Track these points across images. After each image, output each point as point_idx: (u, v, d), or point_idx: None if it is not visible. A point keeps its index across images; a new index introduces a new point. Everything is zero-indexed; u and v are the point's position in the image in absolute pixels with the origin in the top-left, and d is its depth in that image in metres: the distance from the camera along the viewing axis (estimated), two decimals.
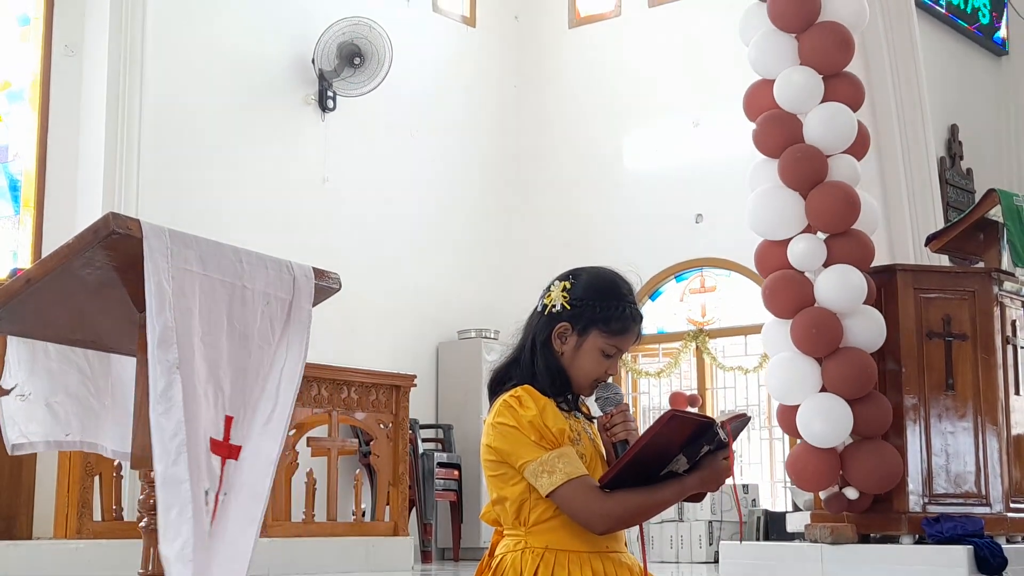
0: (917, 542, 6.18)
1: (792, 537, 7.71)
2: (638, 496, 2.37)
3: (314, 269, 2.55)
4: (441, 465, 9.45)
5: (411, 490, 8.64)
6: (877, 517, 6.30)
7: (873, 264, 6.41)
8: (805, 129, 6.33)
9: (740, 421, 2.45)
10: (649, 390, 10.71)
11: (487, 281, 10.66)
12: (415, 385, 8.04)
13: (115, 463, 6.18)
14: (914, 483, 6.25)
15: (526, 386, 2.45)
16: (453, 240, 10.62)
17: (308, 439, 7.32)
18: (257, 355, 2.38)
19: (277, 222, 9.02)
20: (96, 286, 2.30)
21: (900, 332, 6.32)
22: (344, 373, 7.42)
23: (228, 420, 2.30)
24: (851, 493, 6.17)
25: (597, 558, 2.42)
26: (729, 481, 2.47)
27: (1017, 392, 6.59)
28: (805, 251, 6.22)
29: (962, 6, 11.25)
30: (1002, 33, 11.81)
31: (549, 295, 2.52)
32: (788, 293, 6.23)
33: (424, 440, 9.60)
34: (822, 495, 6.34)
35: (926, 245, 7.45)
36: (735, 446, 2.45)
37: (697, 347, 10.35)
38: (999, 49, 11.85)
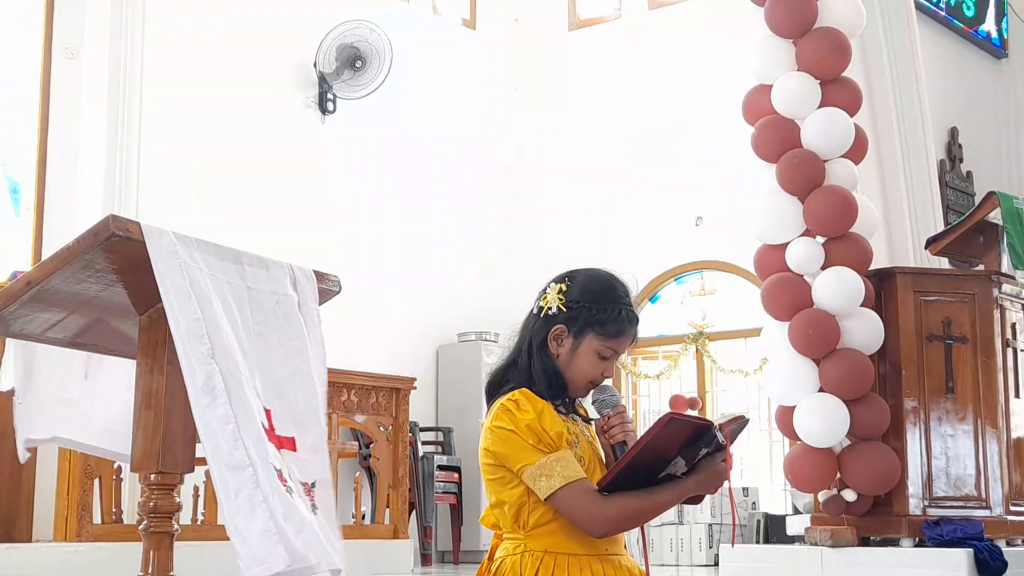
0: (917, 545, 6.18)
1: (792, 540, 7.70)
2: (636, 499, 2.37)
3: (314, 272, 2.55)
4: (441, 468, 9.44)
5: (411, 493, 8.64)
6: (877, 520, 6.30)
7: (873, 267, 6.42)
8: (803, 134, 6.36)
9: (738, 423, 2.45)
10: (649, 393, 10.71)
11: (487, 284, 10.66)
12: (415, 388, 8.04)
13: (115, 466, 6.18)
14: (914, 486, 6.25)
15: (523, 389, 2.45)
16: (453, 243, 10.62)
17: None
18: (279, 351, 2.38)
19: (277, 224, 9.01)
20: (96, 288, 2.30)
21: (900, 335, 6.33)
22: (344, 376, 7.41)
23: (267, 412, 2.30)
24: (849, 495, 6.17)
25: (597, 561, 2.42)
26: (726, 484, 2.47)
27: (1017, 395, 6.59)
28: (803, 254, 6.25)
29: (965, 11, 11.26)
30: (987, 27, 11.82)
31: (545, 297, 2.52)
32: (786, 295, 6.25)
33: (424, 443, 9.60)
34: (820, 497, 6.34)
35: (926, 248, 7.46)
36: (733, 448, 2.45)
37: (697, 350, 10.35)
38: (999, 51, 11.86)
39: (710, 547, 9.05)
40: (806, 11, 6.40)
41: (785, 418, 6.33)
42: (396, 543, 7.52)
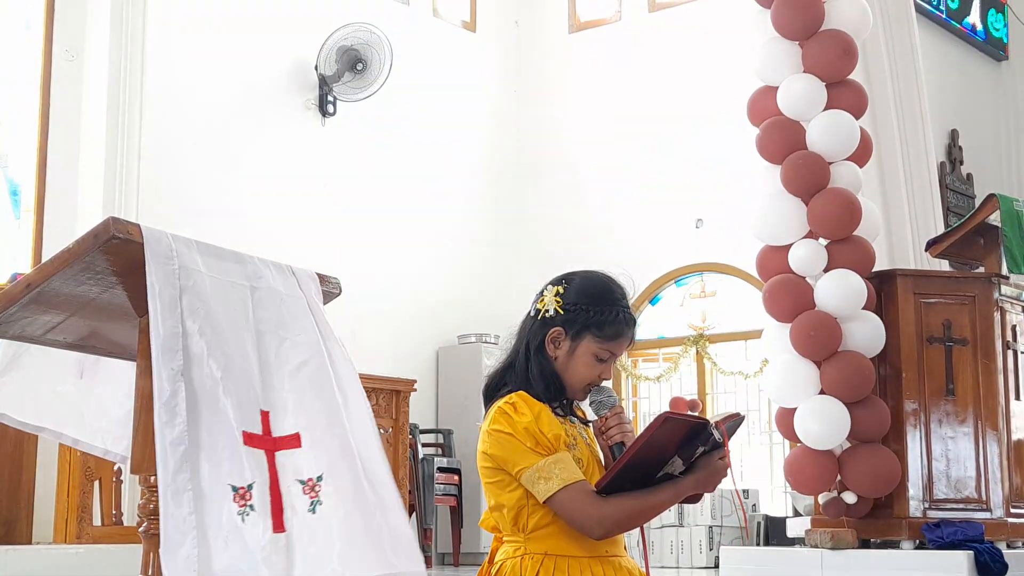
0: (917, 547, 6.18)
1: (792, 542, 7.70)
2: (635, 500, 2.37)
3: (315, 274, 2.55)
4: (441, 470, 9.44)
5: (411, 495, 8.64)
6: (877, 522, 6.30)
7: (873, 269, 6.42)
8: (808, 136, 6.35)
9: (734, 421, 2.45)
10: (649, 395, 10.71)
11: (487, 286, 10.66)
12: (415, 390, 8.04)
13: (115, 467, 6.17)
14: (914, 488, 6.25)
15: (521, 392, 2.45)
16: (453, 245, 10.62)
17: None
18: (284, 348, 2.37)
19: (277, 227, 9.01)
20: (96, 291, 2.30)
21: (900, 337, 6.33)
22: None
23: (264, 415, 2.29)
24: (849, 497, 6.17)
25: (597, 563, 2.42)
26: (728, 484, 2.47)
27: (1018, 397, 6.59)
28: (806, 257, 6.25)
29: (964, 13, 11.26)
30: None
31: (542, 300, 2.52)
32: (788, 297, 6.25)
33: (424, 445, 9.60)
34: (821, 500, 6.34)
35: (926, 250, 7.45)
36: (730, 445, 2.45)
37: (697, 352, 10.34)
38: (999, 54, 11.86)
39: (710, 549, 9.04)
40: (813, 13, 6.39)
41: (785, 420, 6.33)
42: None
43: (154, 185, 8.21)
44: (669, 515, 9.14)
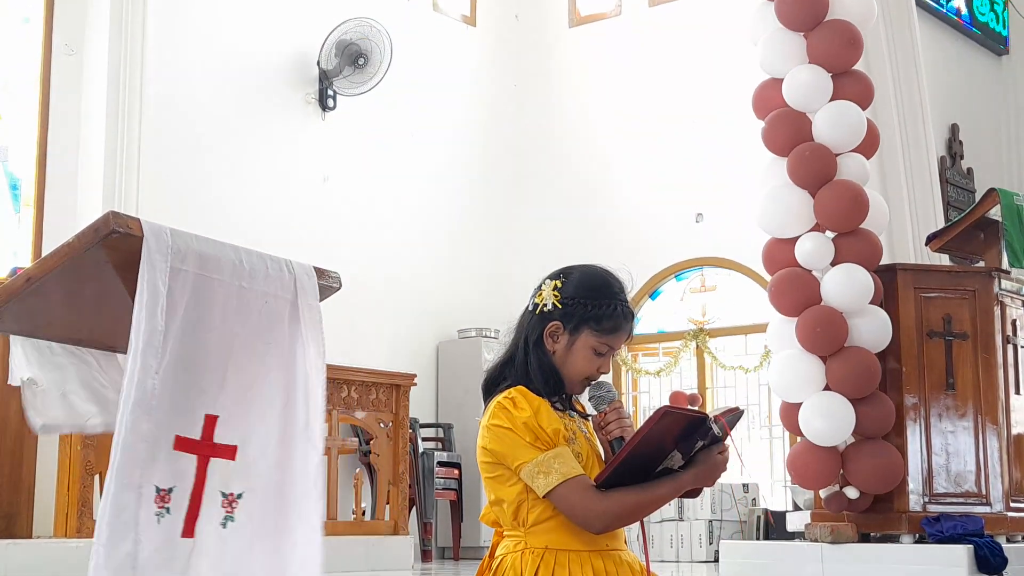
0: (917, 541, 6.18)
1: (792, 536, 7.70)
2: (634, 494, 2.37)
3: (314, 268, 2.55)
4: (441, 464, 9.44)
5: (411, 489, 8.64)
6: (877, 516, 6.30)
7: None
8: (814, 127, 6.33)
9: (733, 415, 2.45)
10: (649, 389, 10.71)
11: (487, 280, 10.66)
12: (415, 384, 8.04)
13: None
14: (914, 482, 6.25)
15: (520, 387, 2.45)
16: (453, 239, 10.62)
17: None
18: (252, 355, 2.38)
19: (277, 221, 9.01)
20: (96, 285, 2.30)
21: (900, 331, 6.32)
22: (344, 372, 7.41)
23: (210, 419, 2.29)
24: (851, 493, 6.17)
25: (598, 557, 2.42)
26: (727, 479, 2.47)
27: (1017, 391, 6.59)
28: (813, 250, 6.21)
29: (978, 9, 11.25)
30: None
31: (540, 294, 2.52)
32: (794, 291, 6.23)
33: (424, 439, 9.60)
34: (822, 494, 6.34)
35: (926, 244, 7.45)
36: (729, 442, 2.45)
37: (697, 346, 10.34)
38: (1000, 48, 11.85)
39: (710, 543, 9.05)
40: (817, 3, 6.37)
41: (789, 414, 6.32)
42: (396, 539, 7.53)
43: (154, 179, 8.20)
44: (669, 509, 9.14)
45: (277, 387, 2.42)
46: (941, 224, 8.25)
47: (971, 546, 5.92)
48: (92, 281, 2.28)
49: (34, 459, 6.54)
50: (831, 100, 6.33)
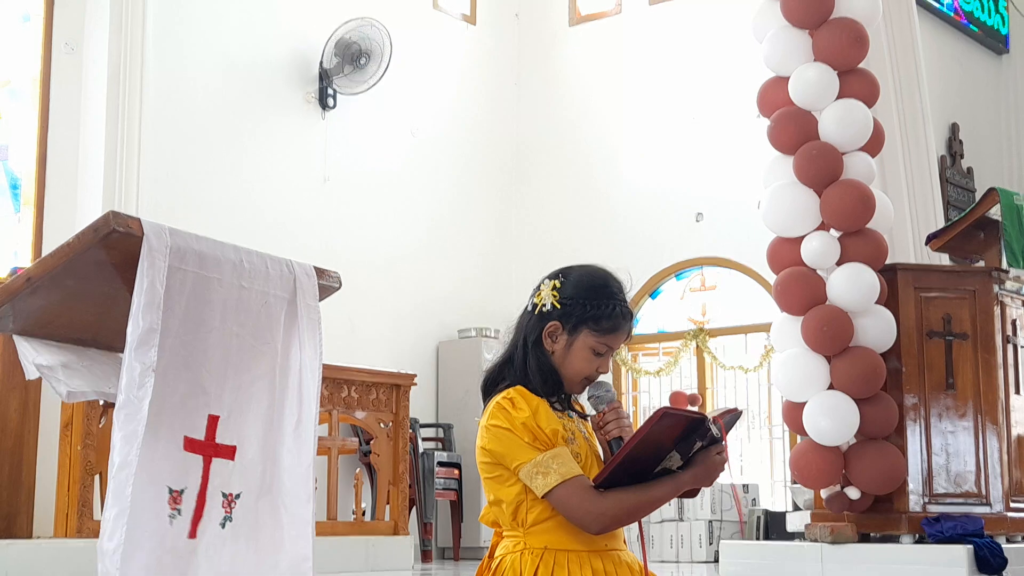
0: (917, 542, 6.18)
1: (792, 536, 7.71)
2: (632, 494, 2.37)
3: (315, 268, 2.55)
4: (441, 464, 9.44)
5: (411, 489, 8.63)
6: (877, 517, 6.30)
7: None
8: (820, 126, 6.31)
9: (732, 416, 2.45)
10: (649, 389, 10.70)
11: (487, 280, 10.66)
12: (415, 384, 8.03)
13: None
14: (914, 483, 6.25)
15: (518, 387, 2.45)
16: (453, 238, 10.61)
17: None
18: (251, 355, 2.38)
19: (278, 220, 9.01)
20: (97, 284, 2.30)
21: (900, 331, 6.32)
22: (344, 372, 7.41)
23: (212, 419, 2.29)
24: (853, 493, 6.16)
25: (597, 557, 2.42)
26: (727, 479, 2.48)
27: (1017, 391, 6.59)
28: (819, 249, 6.20)
29: (964, 6, 11.25)
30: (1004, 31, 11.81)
31: (539, 294, 2.52)
32: (800, 290, 6.21)
33: (424, 439, 9.60)
34: (824, 494, 6.34)
35: (926, 244, 7.45)
36: (728, 440, 2.45)
37: (697, 346, 10.34)
38: (1000, 47, 11.85)
39: (710, 543, 9.05)
40: (823, 1, 6.36)
41: (793, 414, 6.31)
42: (396, 539, 7.52)
43: (154, 179, 8.20)
44: (669, 510, 9.14)
45: (272, 386, 2.42)
46: (941, 224, 8.24)
47: (971, 546, 5.92)
48: (92, 280, 2.28)
49: (34, 459, 6.54)
50: (837, 98, 6.31)
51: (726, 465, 2.45)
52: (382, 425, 7.66)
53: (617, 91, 10.93)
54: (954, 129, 10.83)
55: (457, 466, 9.63)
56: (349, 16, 9.43)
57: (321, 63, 9.47)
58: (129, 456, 2.13)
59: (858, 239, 6.19)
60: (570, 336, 2.48)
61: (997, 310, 6.50)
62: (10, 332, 2.47)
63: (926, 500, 6.25)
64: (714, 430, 2.37)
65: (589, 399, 2.51)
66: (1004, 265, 6.74)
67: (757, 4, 6.69)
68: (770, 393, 9.86)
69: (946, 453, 6.33)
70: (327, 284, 2.61)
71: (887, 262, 6.53)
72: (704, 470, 2.41)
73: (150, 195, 8.06)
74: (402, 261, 10.06)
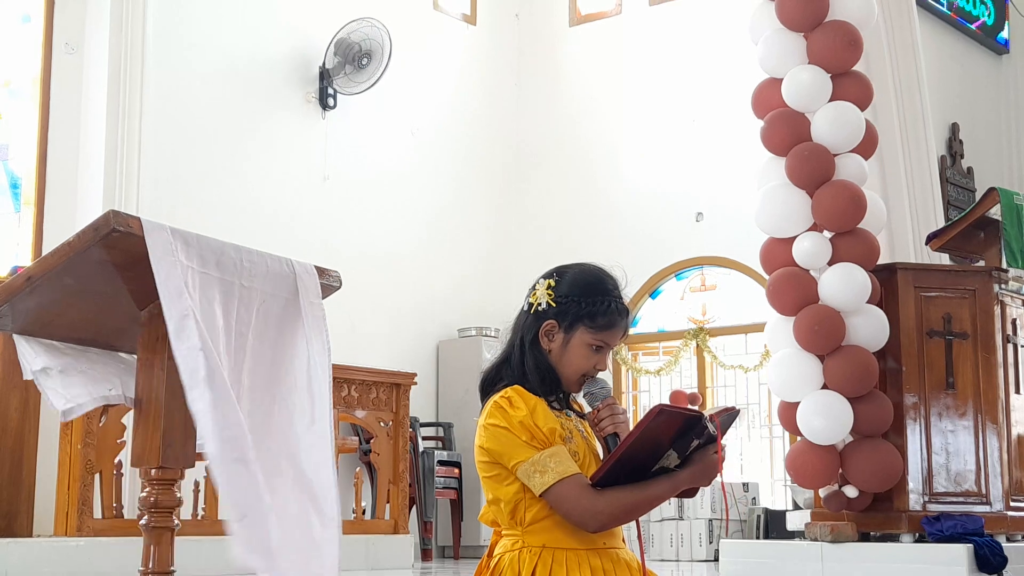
0: (917, 541, 6.19)
1: (792, 535, 7.71)
2: (630, 493, 2.37)
3: (315, 267, 2.55)
4: (441, 463, 9.45)
5: (411, 488, 8.64)
6: (877, 516, 6.30)
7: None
8: (813, 128, 6.34)
9: (729, 415, 2.45)
10: (650, 388, 10.71)
11: (487, 279, 10.66)
12: (415, 383, 8.04)
13: (116, 460, 6.18)
14: (914, 482, 6.26)
15: (515, 386, 2.46)
16: (453, 238, 10.62)
17: None
18: (258, 355, 2.38)
19: (278, 220, 9.02)
20: (97, 284, 2.30)
21: (900, 331, 6.33)
22: (344, 371, 7.41)
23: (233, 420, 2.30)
24: (850, 491, 6.17)
25: (595, 555, 2.42)
26: (727, 478, 2.48)
27: (1018, 391, 6.59)
28: (810, 249, 6.23)
29: (965, 6, 11.24)
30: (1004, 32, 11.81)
31: (534, 294, 2.53)
32: (792, 290, 6.24)
33: (424, 438, 9.60)
34: (822, 493, 6.34)
35: (927, 244, 7.45)
36: (726, 441, 2.45)
37: (697, 345, 10.35)
38: (1000, 48, 11.85)
39: (710, 542, 9.05)
40: (818, 4, 6.38)
41: (788, 414, 6.32)
42: (396, 538, 7.53)
43: (154, 178, 8.20)
44: (669, 508, 9.14)
45: (281, 385, 2.42)
46: (941, 223, 8.25)
47: (971, 545, 5.92)
48: (93, 280, 2.28)
49: (34, 458, 6.54)
50: (830, 101, 6.34)
51: (724, 464, 2.46)
52: (382, 424, 7.66)
53: (617, 91, 10.93)
54: (954, 129, 10.84)
55: (457, 465, 9.63)
56: (349, 16, 9.44)
57: (324, 64, 9.47)
58: (220, 425, 2.13)
59: (850, 239, 6.22)
60: (566, 334, 2.48)
61: (997, 309, 6.51)
62: (10, 331, 2.47)
63: (926, 499, 6.26)
64: (711, 428, 2.37)
65: (584, 396, 2.52)
66: (1004, 265, 6.74)
67: (753, 6, 6.71)
68: (770, 392, 9.86)
69: (946, 452, 6.33)
70: (327, 283, 2.61)
71: (887, 262, 6.54)
72: (702, 469, 2.42)
73: (150, 194, 8.06)
74: (402, 260, 10.07)
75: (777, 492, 9.95)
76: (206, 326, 2.23)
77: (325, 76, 9.51)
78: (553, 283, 2.52)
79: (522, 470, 2.37)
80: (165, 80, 8.45)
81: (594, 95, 11.06)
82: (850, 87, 6.39)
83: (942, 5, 10.93)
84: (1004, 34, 11.85)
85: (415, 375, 8.09)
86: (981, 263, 7.17)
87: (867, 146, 6.46)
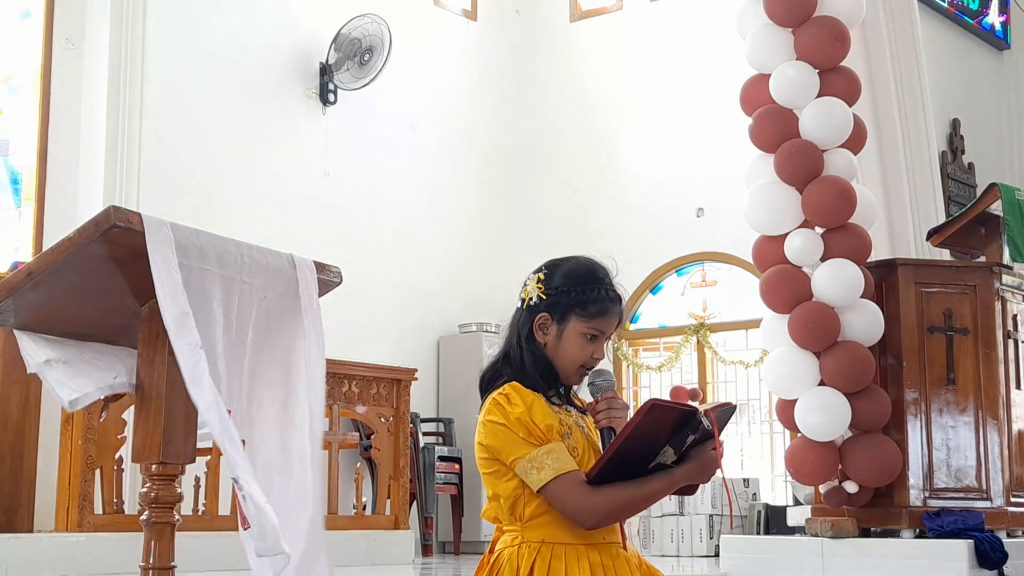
0: (918, 536, 6.19)
1: (793, 531, 7.71)
2: (626, 490, 2.37)
3: (315, 263, 2.55)
4: (442, 459, 9.45)
5: (412, 484, 8.64)
6: (878, 511, 6.31)
7: (874, 258, 6.41)
8: (801, 124, 6.34)
9: (725, 410, 2.45)
10: (650, 384, 10.71)
11: (488, 274, 10.66)
12: (416, 379, 8.04)
13: (116, 456, 6.18)
14: (915, 477, 6.26)
15: (513, 383, 2.46)
16: (454, 233, 10.62)
17: None
18: (256, 351, 2.38)
19: (278, 215, 9.01)
20: (97, 279, 2.30)
21: (901, 326, 6.33)
22: (345, 367, 7.42)
23: (227, 413, 2.30)
24: (850, 487, 6.18)
25: (594, 550, 2.43)
26: (728, 474, 2.47)
27: (1018, 386, 6.60)
28: (802, 246, 6.23)
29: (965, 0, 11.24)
30: (991, 20, 11.80)
31: (525, 289, 2.54)
32: (785, 288, 6.24)
33: (425, 434, 9.60)
34: (822, 489, 6.35)
35: (927, 239, 7.46)
36: (723, 436, 2.44)
37: (698, 341, 10.35)
38: (1001, 43, 11.84)
39: (711, 538, 9.06)
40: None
41: (785, 411, 6.33)
42: (397, 534, 7.53)
43: (155, 173, 8.20)
44: (670, 504, 9.14)
45: (278, 382, 2.42)
46: (942, 219, 8.24)
47: (971, 541, 5.93)
48: (94, 275, 2.28)
49: (35, 453, 6.55)
50: (818, 96, 6.34)
51: (721, 460, 2.45)
52: (383, 420, 7.66)
53: (618, 87, 10.93)
54: (955, 125, 10.83)
55: (458, 460, 9.64)
56: (350, 11, 9.43)
57: (327, 60, 9.47)
58: (221, 420, 2.14)
59: (841, 235, 6.22)
60: (559, 325, 2.49)
61: (998, 305, 6.51)
62: (10, 327, 2.47)
63: (927, 495, 6.27)
64: (705, 423, 2.36)
65: (588, 387, 2.52)
66: (1007, 260, 6.75)
67: (741, 1, 6.70)
68: (770, 388, 9.86)
69: (947, 448, 6.34)
70: (327, 279, 2.61)
71: (888, 257, 6.54)
72: (699, 465, 2.41)
73: (151, 190, 8.07)
74: (403, 256, 10.06)
75: (778, 488, 9.95)
76: (206, 322, 2.23)
77: (325, 71, 9.50)
78: (543, 276, 2.53)
79: (519, 466, 2.38)
80: (165, 75, 8.45)
81: (595, 91, 11.06)
82: (838, 83, 6.39)
83: (943, 1, 10.92)
84: (989, 20, 11.83)
85: (416, 371, 8.09)
86: (982, 259, 7.17)
87: (856, 141, 6.47)
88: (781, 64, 6.38)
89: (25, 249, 8.00)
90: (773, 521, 8.93)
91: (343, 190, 9.67)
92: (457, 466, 9.62)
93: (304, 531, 2.36)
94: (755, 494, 9.47)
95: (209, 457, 6.41)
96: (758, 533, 8.90)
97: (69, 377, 2.47)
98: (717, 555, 7.56)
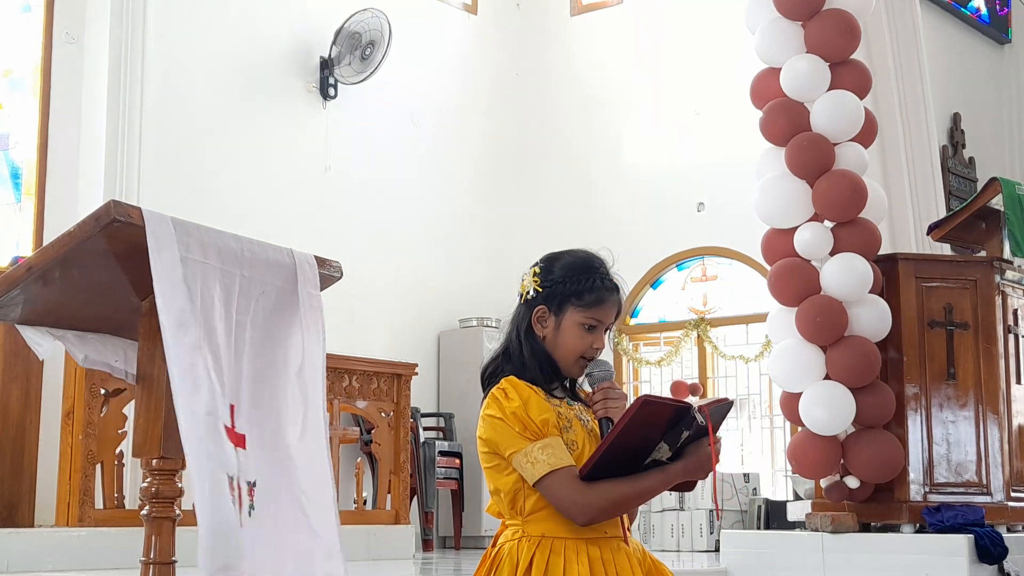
0: (918, 531, 6.20)
1: (793, 526, 7.72)
2: (620, 486, 2.37)
3: (315, 257, 2.55)
4: (442, 454, 9.45)
5: (412, 478, 8.64)
6: (878, 506, 6.31)
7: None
8: (812, 117, 6.33)
9: (720, 406, 2.44)
10: (650, 379, 10.71)
11: (488, 269, 10.65)
12: (416, 373, 8.04)
13: (117, 451, 6.19)
14: (915, 472, 6.26)
15: (510, 377, 2.47)
16: (454, 228, 10.61)
17: None
18: (256, 344, 2.38)
19: (279, 210, 9.01)
20: (98, 274, 2.30)
21: (902, 321, 6.33)
22: (345, 362, 7.42)
23: (231, 408, 2.30)
24: (852, 482, 6.18)
25: (594, 544, 2.43)
26: (726, 468, 2.47)
27: (1019, 381, 6.60)
28: (812, 239, 6.22)
29: None
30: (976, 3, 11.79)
31: (522, 284, 2.54)
32: (794, 281, 6.23)
33: (425, 428, 9.60)
34: (823, 484, 6.35)
35: (928, 234, 7.45)
36: (720, 432, 2.43)
37: (698, 336, 10.34)
38: (1002, 37, 11.83)
39: (711, 532, 9.06)
40: None
41: (790, 404, 6.33)
42: (397, 528, 7.54)
43: (155, 168, 8.20)
44: (670, 499, 9.15)
45: (278, 376, 2.42)
46: (942, 213, 8.25)
47: (971, 536, 5.93)
48: (94, 270, 2.28)
49: (36, 448, 6.56)
50: (829, 90, 6.33)
51: (726, 454, 2.45)
52: (383, 415, 7.67)
53: (618, 81, 10.92)
54: (956, 119, 10.82)
55: (458, 455, 9.64)
56: (351, 5, 9.42)
57: (330, 55, 9.46)
58: (207, 431, 2.13)
59: (851, 229, 6.21)
60: (557, 316, 2.50)
61: (998, 300, 6.51)
62: (12, 321, 2.47)
63: (927, 489, 6.27)
64: (699, 419, 2.35)
65: (588, 378, 2.52)
66: (1008, 254, 6.75)
67: None
68: (771, 382, 9.86)
69: (947, 443, 6.34)
70: (328, 274, 2.60)
71: (889, 252, 6.54)
72: (695, 461, 2.41)
73: (151, 184, 8.06)
74: (403, 250, 10.06)
75: (778, 482, 9.96)
76: (205, 318, 2.23)
77: (326, 66, 9.50)
78: (539, 270, 2.54)
79: (516, 460, 2.39)
80: (166, 70, 8.44)
81: (595, 85, 11.05)
82: (848, 75, 6.38)
83: None
84: (975, 4, 11.83)
85: (416, 365, 8.10)
86: (982, 253, 7.17)
87: (867, 135, 6.46)
88: (792, 57, 6.37)
89: (25, 244, 8.00)
90: (773, 516, 8.94)
91: (344, 184, 9.67)
92: (458, 461, 9.62)
93: (333, 523, 2.36)
94: (755, 489, 9.48)
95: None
96: (758, 528, 8.90)
97: (80, 343, 2.48)
98: (717, 550, 7.56)
